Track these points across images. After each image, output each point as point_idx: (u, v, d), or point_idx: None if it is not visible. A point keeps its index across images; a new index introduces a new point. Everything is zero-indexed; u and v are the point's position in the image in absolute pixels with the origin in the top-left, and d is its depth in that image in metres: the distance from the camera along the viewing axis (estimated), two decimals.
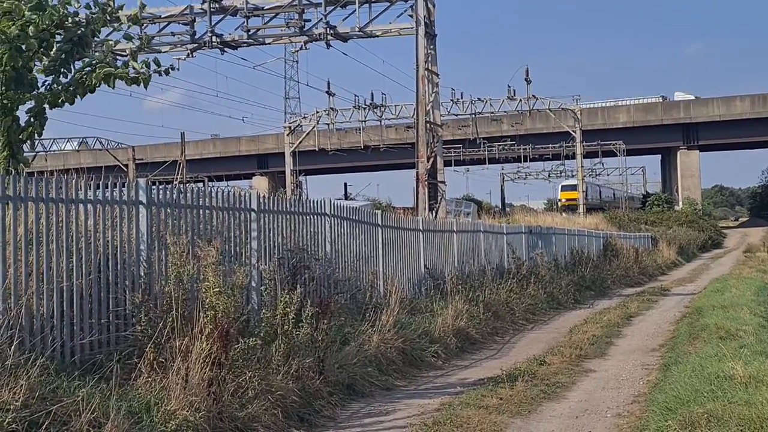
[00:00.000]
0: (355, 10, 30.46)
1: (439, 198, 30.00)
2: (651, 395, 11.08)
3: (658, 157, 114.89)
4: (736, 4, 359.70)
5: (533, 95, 64.23)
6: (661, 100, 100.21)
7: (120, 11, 11.63)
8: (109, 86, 11.31)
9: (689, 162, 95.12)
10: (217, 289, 9.81)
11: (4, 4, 10.52)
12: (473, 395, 11.35)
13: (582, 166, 72.83)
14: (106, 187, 10.27)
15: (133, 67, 11.20)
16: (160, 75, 11.63)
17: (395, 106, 66.89)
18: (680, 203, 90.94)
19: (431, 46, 29.86)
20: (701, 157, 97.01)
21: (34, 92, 11.01)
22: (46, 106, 11.15)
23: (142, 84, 11.39)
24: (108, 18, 11.41)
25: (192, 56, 32.54)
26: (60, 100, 11.25)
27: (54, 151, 73.23)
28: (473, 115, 68.11)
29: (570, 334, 18.13)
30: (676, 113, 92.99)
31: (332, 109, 65.27)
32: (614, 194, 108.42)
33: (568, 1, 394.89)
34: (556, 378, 12.95)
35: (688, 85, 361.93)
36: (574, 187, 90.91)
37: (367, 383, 12.04)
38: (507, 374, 12.78)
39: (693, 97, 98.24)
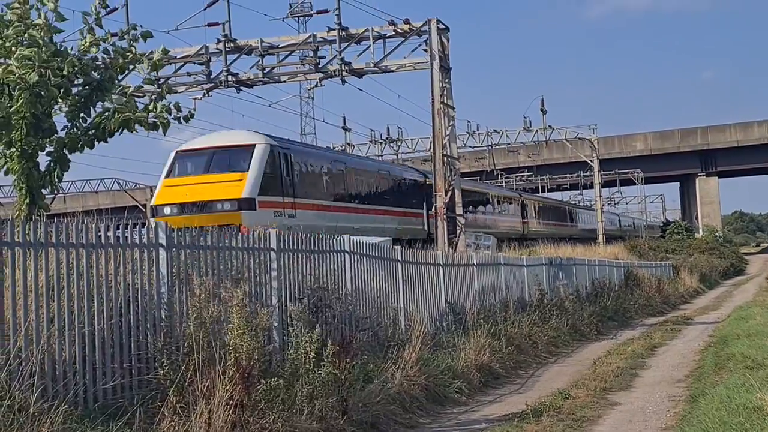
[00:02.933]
0: (369, 46, 30.62)
1: (458, 231, 29.94)
2: (679, 428, 10.95)
3: (677, 184, 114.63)
4: (751, 30, 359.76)
5: (549, 126, 64.25)
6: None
7: (141, 56, 11.68)
8: (128, 131, 11.38)
9: (708, 189, 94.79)
10: (241, 331, 9.80)
11: (24, 51, 10.59)
12: (498, 431, 11.25)
13: (600, 196, 72.68)
14: (126, 229, 10.27)
15: (153, 113, 11.26)
16: (180, 122, 11.67)
17: (411, 139, 67.00)
18: (700, 231, 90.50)
19: (446, 80, 29.94)
20: (720, 183, 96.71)
21: (54, 137, 11.06)
22: (66, 151, 11.20)
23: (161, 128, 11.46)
24: (127, 62, 11.48)
25: (208, 95, 32.79)
26: (79, 145, 11.29)
27: (72, 192, 73.59)
28: (490, 147, 68.13)
29: (594, 367, 17.98)
30: (693, 140, 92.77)
31: (348, 144, 65.37)
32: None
33: (582, 32, 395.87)
34: (581, 412, 12.84)
35: (704, 112, 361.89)
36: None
37: (391, 421, 11.95)
38: (532, 409, 12.67)
39: None
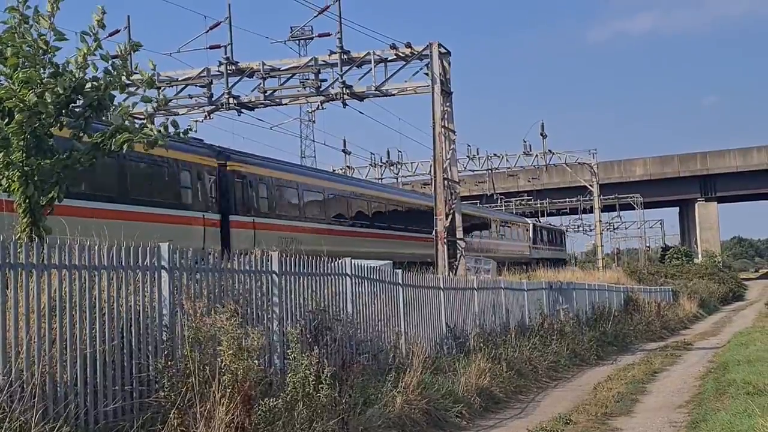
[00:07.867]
0: (370, 69, 30.64)
1: (459, 255, 29.92)
2: None
3: (676, 209, 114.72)
4: (752, 56, 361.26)
5: (549, 150, 64.45)
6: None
7: (136, 74, 11.70)
8: (128, 149, 11.39)
9: (707, 214, 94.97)
10: (231, 352, 9.75)
11: (21, 75, 10.60)
12: None
13: (600, 220, 72.71)
14: (128, 253, 10.25)
15: (150, 131, 11.25)
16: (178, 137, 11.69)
17: (411, 163, 67.13)
18: (699, 256, 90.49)
19: (447, 104, 29.98)
20: (719, 208, 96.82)
21: (54, 158, 11.04)
22: (66, 170, 11.17)
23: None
24: (125, 81, 11.48)
25: (209, 118, 32.76)
26: (78, 165, 11.28)
27: None
28: (490, 171, 68.28)
29: (594, 392, 17.93)
30: (692, 165, 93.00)
31: (348, 167, 65.43)
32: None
33: (582, 56, 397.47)
34: None
35: (704, 138, 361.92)
36: None
37: None
38: None
39: None
